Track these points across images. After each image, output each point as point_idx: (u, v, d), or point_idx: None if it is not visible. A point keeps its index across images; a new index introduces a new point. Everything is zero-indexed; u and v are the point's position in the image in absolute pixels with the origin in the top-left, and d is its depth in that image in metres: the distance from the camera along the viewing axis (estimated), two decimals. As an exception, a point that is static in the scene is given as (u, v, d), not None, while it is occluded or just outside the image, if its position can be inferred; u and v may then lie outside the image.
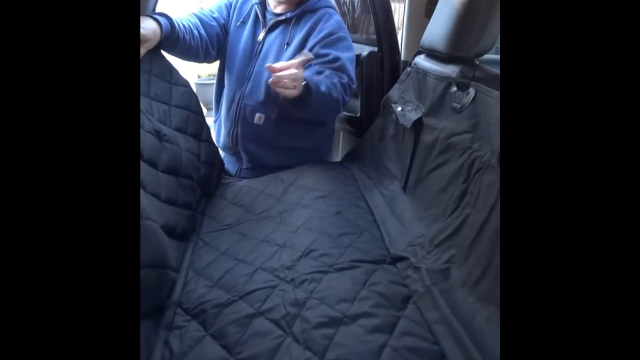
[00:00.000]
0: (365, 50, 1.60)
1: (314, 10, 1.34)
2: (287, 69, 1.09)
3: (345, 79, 1.27)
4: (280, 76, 1.08)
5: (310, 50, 1.28)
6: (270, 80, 1.09)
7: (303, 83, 1.14)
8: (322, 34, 1.30)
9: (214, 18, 1.37)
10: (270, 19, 1.36)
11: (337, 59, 1.27)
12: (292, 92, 1.11)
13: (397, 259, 0.90)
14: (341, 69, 1.28)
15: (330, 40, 1.29)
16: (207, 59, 1.39)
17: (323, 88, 1.20)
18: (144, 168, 0.88)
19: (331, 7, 1.38)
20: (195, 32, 1.29)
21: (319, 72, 1.25)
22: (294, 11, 1.33)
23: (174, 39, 1.20)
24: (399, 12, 1.95)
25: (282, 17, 1.34)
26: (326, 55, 1.27)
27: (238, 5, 1.40)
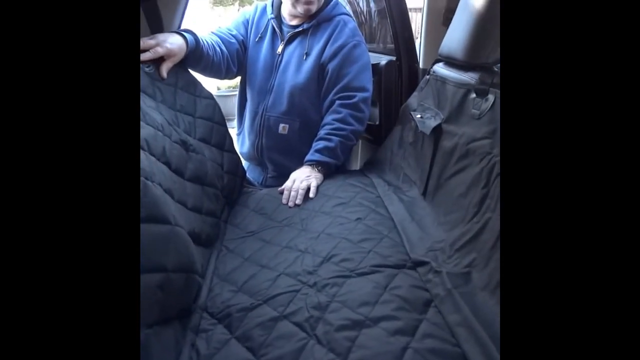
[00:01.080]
0: (383, 59, 1.62)
1: (329, 19, 1.37)
2: (291, 189, 1.22)
3: (356, 97, 1.33)
4: (294, 196, 1.20)
5: (326, 64, 1.34)
6: (290, 203, 1.20)
7: (312, 164, 1.29)
8: (336, 45, 1.34)
9: (232, 35, 1.42)
10: (288, 32, 1.40)
11: (348, 85, 1.34)
12: (313, 185, 1.23)
13: (417, 264, 0.91)
14: (351, 87, 1.34)
15: (344, 53, 1.34)
16: (228, 75, 1.43)
17: (333, 144, 1.30)
18: (171, 177, 0.92)
19: (346, 13, 1.41)
20: (218, 48, 1.33)
21: (334, 111, 1.34)
22: (310, 22, 1.36)
23: (198, 54, 1.25)
24: (416, 21, 1.97)
25: (299, 29, 1.37)
26: (338, 79, 1.34)
27: (255, 21, 1.45)
